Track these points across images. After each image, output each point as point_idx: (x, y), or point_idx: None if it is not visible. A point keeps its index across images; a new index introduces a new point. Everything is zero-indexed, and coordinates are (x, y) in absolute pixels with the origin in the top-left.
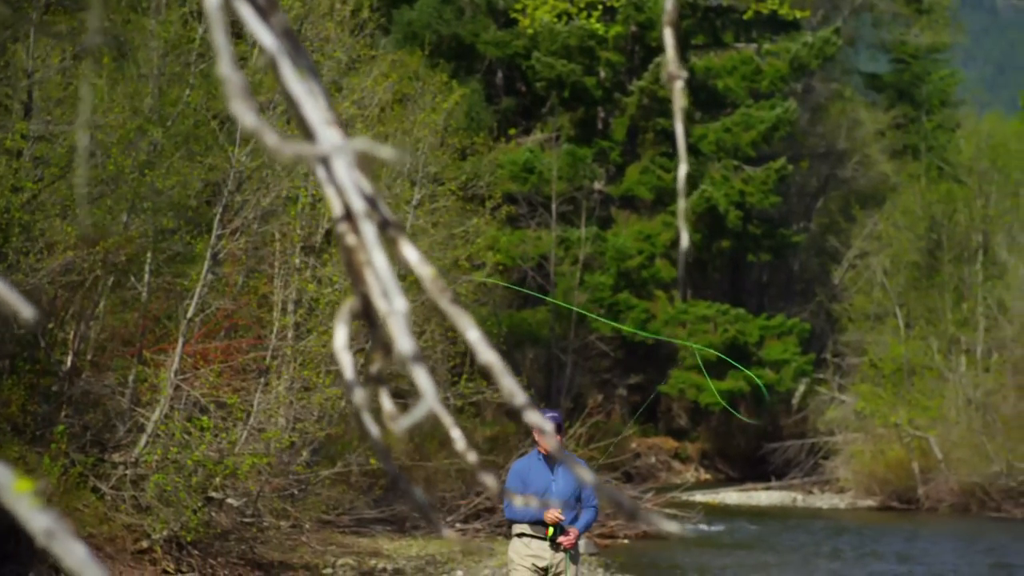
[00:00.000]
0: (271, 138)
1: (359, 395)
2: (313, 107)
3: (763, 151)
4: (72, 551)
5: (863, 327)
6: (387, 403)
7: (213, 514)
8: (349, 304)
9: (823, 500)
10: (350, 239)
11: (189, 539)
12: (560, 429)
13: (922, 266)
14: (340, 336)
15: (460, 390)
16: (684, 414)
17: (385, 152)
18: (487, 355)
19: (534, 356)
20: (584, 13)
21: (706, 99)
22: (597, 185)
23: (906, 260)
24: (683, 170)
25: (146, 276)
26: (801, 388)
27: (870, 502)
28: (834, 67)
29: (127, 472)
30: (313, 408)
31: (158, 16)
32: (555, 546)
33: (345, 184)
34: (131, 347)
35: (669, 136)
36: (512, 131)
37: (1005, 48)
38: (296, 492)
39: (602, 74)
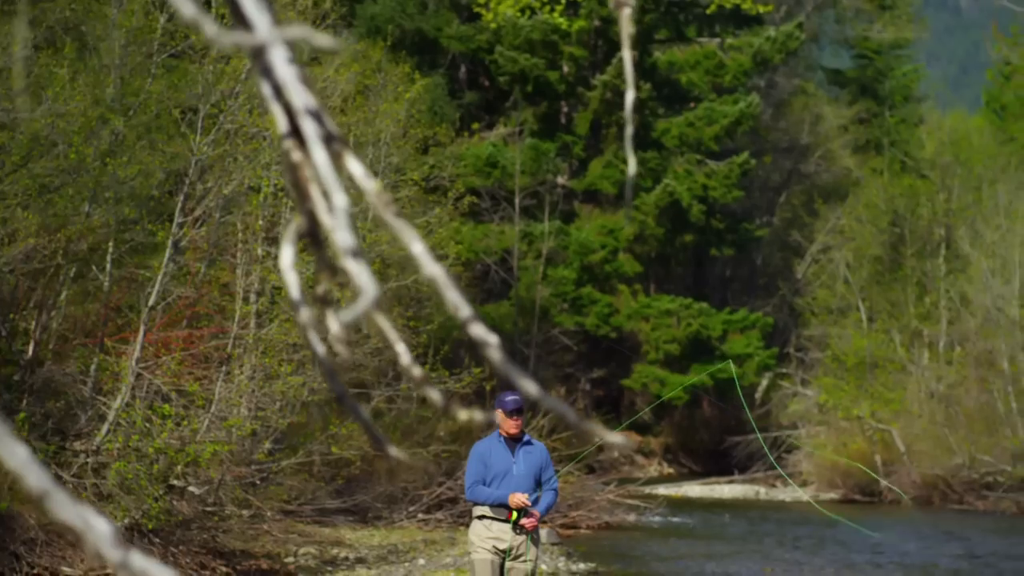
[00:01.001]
0: (210, 28)
1: (305, 314)
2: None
3: (726, 145)
4: (14, 453)
5: (826, 320)
6: (335, 326)
7: (175, 502)
8: (295, 224)
9: (786, 493)
10: (295, 155)
11: (150, 527)
12: (521, 412)
13: (885, 260)
14: (286, 255)
15: None
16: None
17: (323, 40)
18: (431, 268)
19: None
20: (547, 7)
21: (669, 93)
22: (560, 179)
23: (869, 254)
24: (630, 97)
25: (108, 266)
26: (764, 382)
27: (832, 495)
28: (797, 63)
29: (88, 460)
30: (275, 396)
31: (119, 5)
32: (517, 529)
33: (285, 78)
34: (93, 336)
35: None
36: (475, 125)
37: (969, 48)
38: (258, 482)
39: (565, 68)
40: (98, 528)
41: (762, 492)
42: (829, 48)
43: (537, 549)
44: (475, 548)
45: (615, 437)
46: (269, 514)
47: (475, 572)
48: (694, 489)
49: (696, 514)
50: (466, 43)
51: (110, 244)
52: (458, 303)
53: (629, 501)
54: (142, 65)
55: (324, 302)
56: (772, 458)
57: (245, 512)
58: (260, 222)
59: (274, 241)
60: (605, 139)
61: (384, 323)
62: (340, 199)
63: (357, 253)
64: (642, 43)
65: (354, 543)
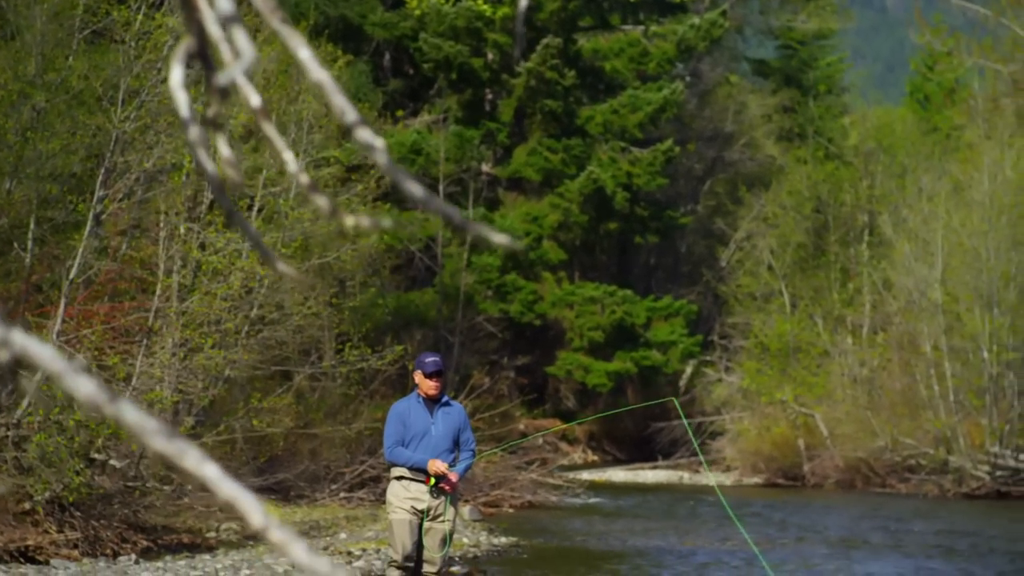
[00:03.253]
0: None
1: (195, 132)
2: None
3: (650, 133)
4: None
5: (749, 307)
6: (224, 148)
7: (96, 476)
8: (185, 44)
9: (710, 478)
10: None
11: (71, 500)
12: (441, 373)
13: (808, 247)
14: (176, 75)
15: (345, 358)
16: (572, 396)
17: None
18: (318, 73)
19: (421, 337)
20: None
21: (593, 81)
22: (485, 167)
23: (793, 241)
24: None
25: (29, 243)
26: (688, 370)
27: (756, 479)
28: (722, 53)
29: (9, 434)
30: (197, 371)
31: None
32: (435, 492)
33: None
34: (14, 313)
35: (557, 118)
36: (399, 113)
37: (894, 46)
38: None
39: (489, 56)
40: None
41: (686, 477)
42: (753, 39)
43: (455, 510)
44: (393, 508)
45: (501, 238)
46: (190, 487)
47: (393, 532)
48: (618, 475)
49: (619, 496)
50: (390, 30)
51: (31, 220)
52: (344, 107)
53: (552, 481)
54: (64, 41)
55: (215, 125)
56: (696, 444)
57: (167, 487)
58: (182, 203)
59: (197, 220)
60: (529, 126)
61: (270, 129)
62: (224, 3)
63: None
64: (566, 30)
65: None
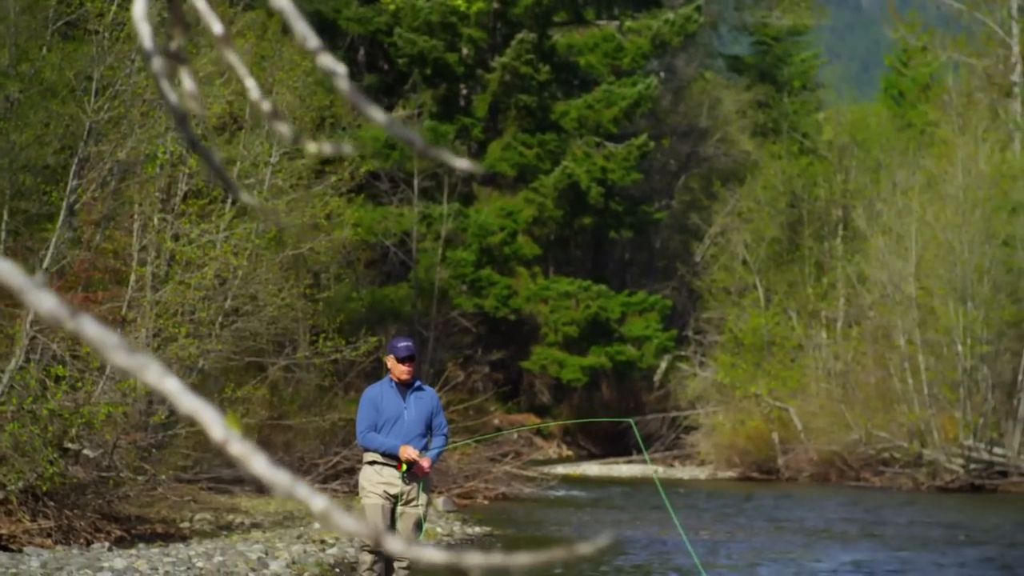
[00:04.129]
0: None
1: (158, 64)
2: None
3: (625, 128)
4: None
5: (724, 301)
6: (188, 82)
7: (69, 466)
8: None
9: (684, 472)
10: None
11: (45, 489)
12: (413, 358)
13: (783, 241)
14: (139, 6)
15: (319, 349)
16: (547, 391)
17: None
18: (279, 2)
19: (396, 331)
20: None
21: (567, 76)
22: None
23: (767, 235)
24: None
25: (3, 235)
26: (663, 365)
27: (731, 473)
28: (697, 50)
29: None
30: (170, 360)
31: None
32: (408, 478)
33: None
34: None
35: (531, 113)
36: None
37: (870, 45)
38: (154, 450)
39: (464, 51)
40: None
41: (660, 471)
42: (728, 35)
43: (427, 495)
44: (366, 493)
45: (462, 163)
46: (164, 478)
47: (366, 517)
48: (592, 468)
49: (593, 489)
50: (365, 25)
51: (5, 211)
52: (306, 33)
53: (526, 473)
54: (38, 33)
55: (177, 58)
56: (648, 460)
57: (140, 478)
58: (156, 194)
59: (171, 211)
60: (504, 121)
61: (232, 57)
62: None
63: None
64: (541, 25)
65: (250, 510)
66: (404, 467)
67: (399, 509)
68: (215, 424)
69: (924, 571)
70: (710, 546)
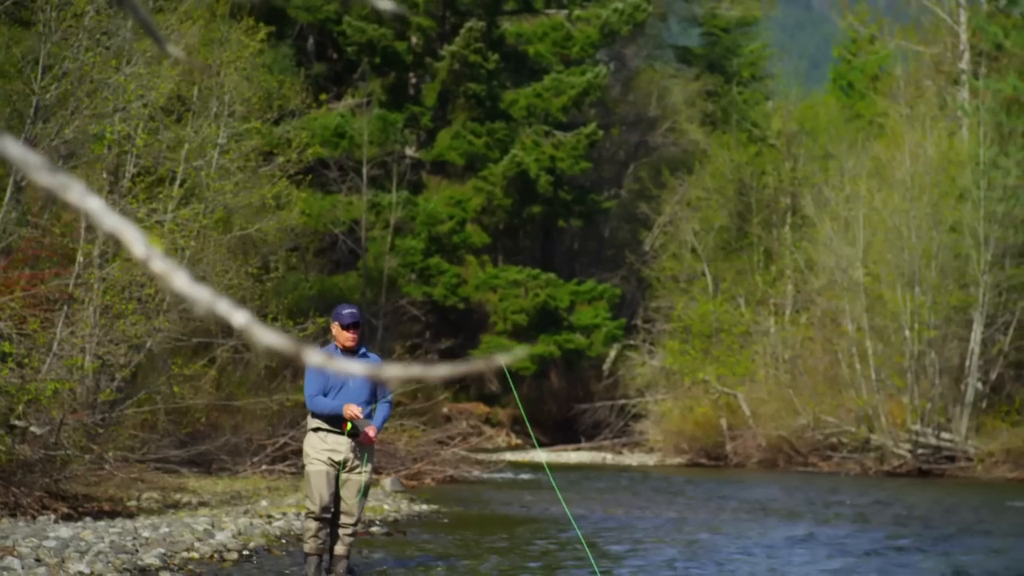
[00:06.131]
0: None
1: None
2: None
3: (574, 117)
4: None
5: (672, 289)
6: None
7: (16, 444)
8: None
9: (633, 458)
10: None
11: None
12: (357, 325)
13: (731, 230)
14: None
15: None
16: (495, 379)
17: None
18: None
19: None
20: None
21: (516, 65)
22: (408, 150)
23: (716, 223)
24: None
25: None
26: (612, 353)
27: (679, 459)
28: (646, 41)
29: None
30: (118, 337)
31: None
32: (353, 435)
33: None
34: None
35: (480, 101)
36: (323, 96)
37: (820, 42)
38: (101, 430)
39: (413, 39)
40: None
41: (609, 458)
42: (677, 26)
43: (372, 463)
44: (311, 460)
45: (384, 3)
46: (110, 455)
47: (311, 483)
48: (541, 455)
49: (542, 473)
50: (314, 13)
51: None
52: None
53: (475, 456)
54: None
55: None
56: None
57: (87, 456)
58: (104, 176)
59: (120, 191)
60: (453, 110)
61: None
62: None
63: None
64: (490, 14)
65: (197, 490)
66: (349, 425)
67: (343, 475)
68: (137, 242)
69: (839, 547)
70: (658, 523)
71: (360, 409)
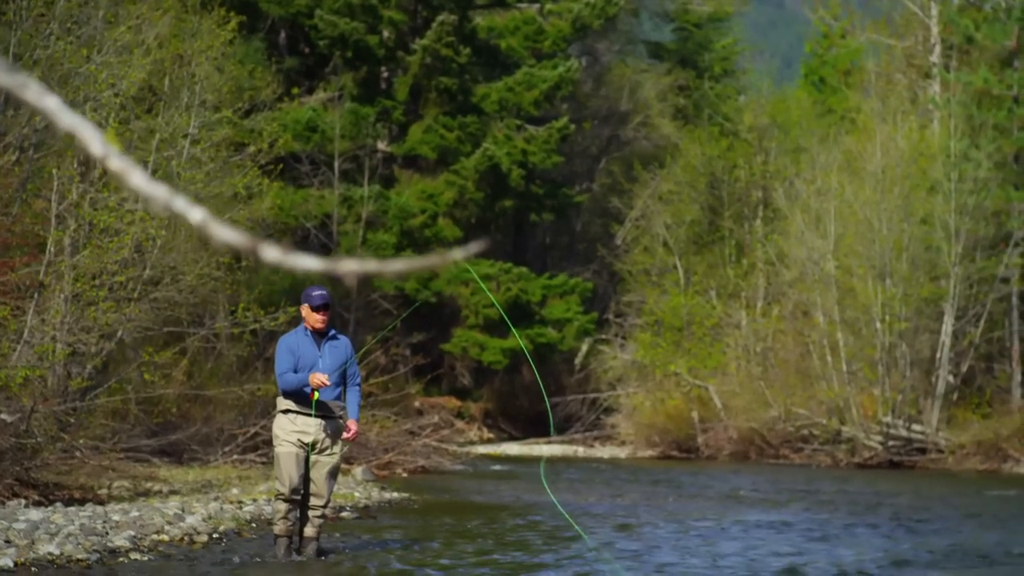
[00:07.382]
0: None
1: None
2: None
3: (546, 111)
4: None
5: (644, 282)
6: None
7: None
8: None
9: (604, 451)
10: None
11: None
12: (327, 307)
13: (703, 223)
14: None
15: (238, 319)
16: (467, 373)
17: None
18: None
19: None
20: None
21: (488, 59)
22: (380, 144)
23: (688, 217)
24: None
25: None
26: (584, 347)
27: (651, 452)
28: (618, 36)
29: None
30: (89, 324)
31: None
32: (321, 408)
33: None
34: None
35: (452, 95)
36: (295, 90)
37: (792, 41)
38: (72, 419)
39: (385, 33)
40: None
41: (580, 451)
42: (649, 22)
43: (342, 446)
44: (280, 441)
45: None
46: (82, 442)
47: (280, 465)
48: (512, 448)
49: (515, 465)
50: (285, 7)
51: None
52: None
53: (446, 446)
54: None
55: None
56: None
57: (58, 445)
58: (75, 167)
59: (90, 180)
60: (425, 104)
61: None
62: None
63: None
64: (462, 8)
65: (168, 479)
66: (316, 395)
67: (313, 457)
68: (94, 140)
69: (810, 531)
70: (628, 509)
71: (327, 376)
